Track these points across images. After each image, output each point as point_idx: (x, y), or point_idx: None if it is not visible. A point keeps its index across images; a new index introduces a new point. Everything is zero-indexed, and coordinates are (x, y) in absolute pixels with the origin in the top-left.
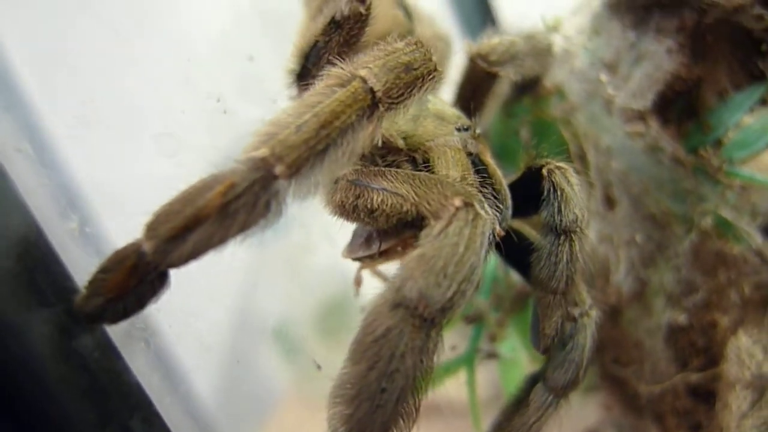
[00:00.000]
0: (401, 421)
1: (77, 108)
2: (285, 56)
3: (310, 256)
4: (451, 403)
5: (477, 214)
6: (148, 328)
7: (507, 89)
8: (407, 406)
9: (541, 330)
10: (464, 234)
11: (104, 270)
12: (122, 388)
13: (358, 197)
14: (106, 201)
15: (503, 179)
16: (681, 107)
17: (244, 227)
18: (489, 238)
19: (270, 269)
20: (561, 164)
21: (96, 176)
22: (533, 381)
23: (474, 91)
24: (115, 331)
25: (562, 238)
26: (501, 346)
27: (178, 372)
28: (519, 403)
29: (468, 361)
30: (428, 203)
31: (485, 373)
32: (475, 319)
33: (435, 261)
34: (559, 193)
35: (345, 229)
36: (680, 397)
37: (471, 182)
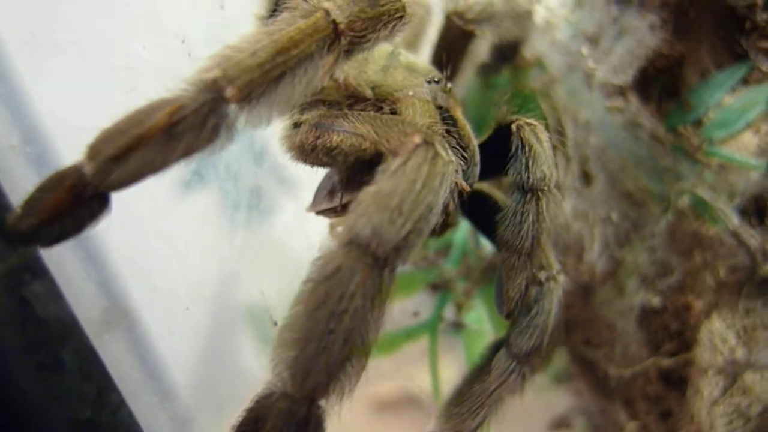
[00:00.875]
0: (349, 367)
1: (32, 28)
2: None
3: (289, 243)
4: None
5: (437, 153)
6: (126, 315)
7: (486, 55)
8: (356, 352)
9: (505, 293)
10: (422, 171)
11: (42, 189)
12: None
13: (317, 138)
14: (55, 125)
15: (473, 136)
16: (663, 85)
17: (189, 150)
18: (451, 184)
19: (249, 256)
20: (531, 121)
21: (46, 99)
22: (496, 348)
23: (449, 50)
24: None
25: (529, 196)
26: (466, 316)
27: (155, 362)
28: (481, 369)
29: (431, 328)
30: (387, 141)
31: (451, 352)
32: (441, 287)
33: (390, 198)
34: (527, 149)
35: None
36: (651, 382)
37: (438, 131)
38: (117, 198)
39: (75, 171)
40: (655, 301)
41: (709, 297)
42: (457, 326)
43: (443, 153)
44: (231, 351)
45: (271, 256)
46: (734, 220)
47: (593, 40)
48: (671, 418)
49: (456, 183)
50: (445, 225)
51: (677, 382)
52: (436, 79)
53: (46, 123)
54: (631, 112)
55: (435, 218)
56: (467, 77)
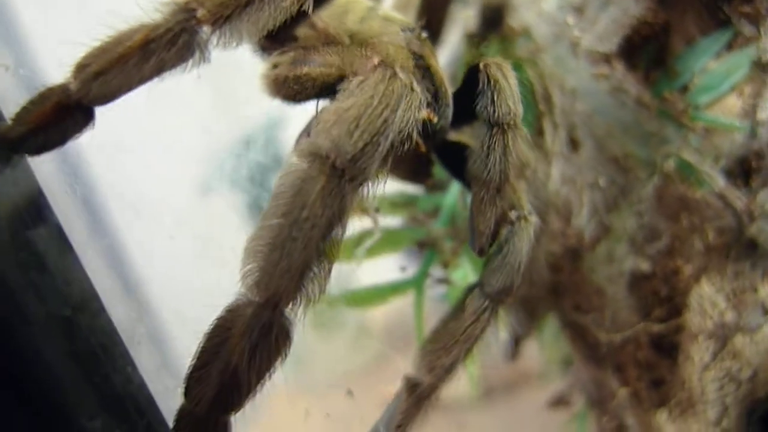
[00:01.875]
0: (312, 273)
1: None
2: None
3: None
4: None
5: (395, 74)
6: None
7: (473, 25)
8: (318, 258)
9: (475, 227)
10: (379, 89)
11: (32, 103)
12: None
13: (290, 71)
14: (46, 48)
15: (446, 80)
16: (650, 55)
17: (162, 66)
18: (414, 110)
19: None
20: (499, 60)
21: (39, 22)
22: (471, 289)
23: (431, 8)
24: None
25: (495, 129)
26: (453, 273)
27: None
28: (456, 310)
29: (417, 283)
30: (351, 65)
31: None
32: (428, 245)
33: (348, 113)
34: (492, 83)
35: None
36: (642, 348)
37: (407, 66)
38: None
39: (62, 87)
40: (645, 266)
41: (698, 261)
42: (443, 283)
43: (402, 75)
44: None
45: None
46: (720, 182)
47: (579, 10)
48: (663, 386)
49: (428, 118)
50: (425, 170)
51: (668, 348)
52: (410, 28)
53: (39, 45)
54: (617, 78)
55: (393, 134)
56: (457, 48)
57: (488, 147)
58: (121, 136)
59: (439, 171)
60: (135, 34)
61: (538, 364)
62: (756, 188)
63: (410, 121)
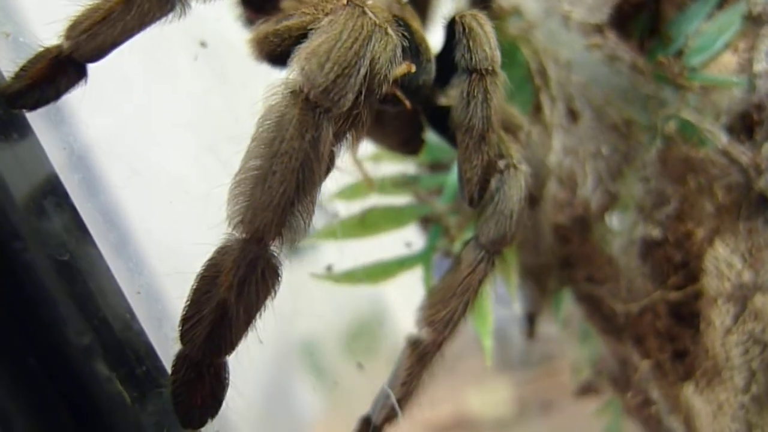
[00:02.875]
0: (296, 205)
1: None
2: None
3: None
4: None
5: (364, 12)
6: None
7: (463, 3)
8: (301, 191)
9: (462, 175)
10: (348, 24)
11: (29, 62)
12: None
13: (270, 26)
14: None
15: (427, 39)
16: (643, 25)
17: (144, 18)
18: (390, 53)
19: (299, 289)
20: (475, 11)
21: None
22: (467, 243)
23: None
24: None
25: (474, 75)
26: (459, 247)
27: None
28: (454, 265)
29: (424, 258)
30: (323, 10)
31: None
32: (433, 221)
33: (319, 47)
34: (467, 31)
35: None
36: (661, 317)
37: (385, 18)
38: None
39: (56, 47)
40: (655, 232)
41: (710, 222)
42: (449, 254)
43: (371, 14)
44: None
45: (324, 289)
46: (723, 139)
47: None
48: (687, 357)
49: (408, 69)
50: (416, 137)
51: (688, 316)
52: None
53: (38, 14)
54: (610, 47)
55: (364, 68)
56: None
57: (468, 93)
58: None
59: (440, 151)
60: None
61: (567, 363)
62: (760, 141)
63: (385, 63)
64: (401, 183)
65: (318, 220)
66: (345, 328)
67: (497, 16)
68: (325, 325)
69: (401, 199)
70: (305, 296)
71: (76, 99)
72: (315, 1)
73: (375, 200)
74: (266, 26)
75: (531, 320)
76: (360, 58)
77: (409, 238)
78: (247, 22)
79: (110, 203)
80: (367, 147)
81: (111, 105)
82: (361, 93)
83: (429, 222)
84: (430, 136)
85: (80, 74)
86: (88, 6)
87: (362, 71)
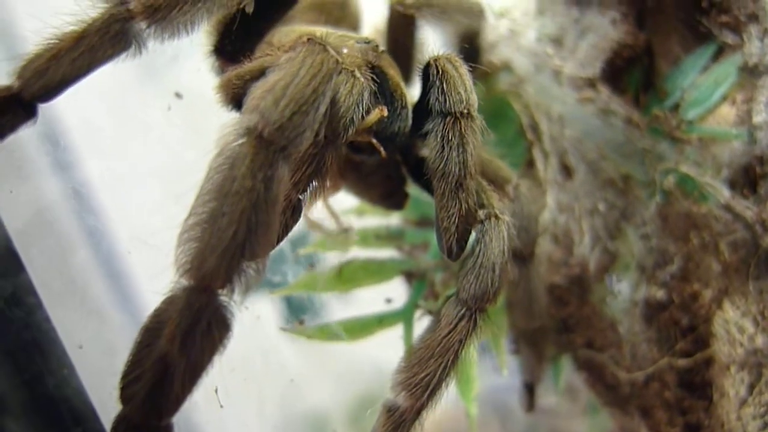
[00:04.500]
0: (247, 251)
1: None
2: None
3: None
4: None
5: (325, 50)
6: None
7: None
8: (253, 235)
9: (439, 225)
10: (307, 61)
11: None
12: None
13: (234, 71)
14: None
15: (403, 85)
16: (637, 79)
17: (95, 56)
18: (357, 96)
19: (303, 354)
20: (449, 54)
21: None
22: (448, 299)
23: (396, 40)
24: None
25: (449, 118)
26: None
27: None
28: (434, 323)
29: (405, 315)
30: (283, 48)
31: None
32: (416, 276)
33: (275, 84)
34: (441, 73)
35: None
36: (669, 387)
37: (357, 63)
38: None
39: (5, 87)
40: (659, 294)
41: (717, 282)
42: (432, 313)
43: (332, 52)
44: None
45: (330, 362)
46: (725, 193)
47: (557, 41)
48: (701, 431)
49: (380, 113)
50: (398, 191)
51: (699, 385)
52: (367, 41)
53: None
54: (603, 101)
55: (323, 107)
56: None
57: (442, 138)
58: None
59: (428, 206)
60: (73, 31)
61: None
62: (765, 195)
63: (352, 105)
64: (384, 236)
65: (295, 272)
66: (352, 403)
67: (487, 72)
68: (331, 399)
69: (384, 253)
70: (312, 367)
71: (39, 151)
72: (282, 44)
73: (355, 253)
74: (230, 72)
75: (530, 391)
76: (319, 95)
77: (391, 294)
78: (220, 72)
79: (61, 251)
80: (350, 200)
81: (79, 156)
82: (320, 134)
83: (412, 277)
84: (419, 192)
85: (29, 114)
86: (41, 45)
87: (321, 109)
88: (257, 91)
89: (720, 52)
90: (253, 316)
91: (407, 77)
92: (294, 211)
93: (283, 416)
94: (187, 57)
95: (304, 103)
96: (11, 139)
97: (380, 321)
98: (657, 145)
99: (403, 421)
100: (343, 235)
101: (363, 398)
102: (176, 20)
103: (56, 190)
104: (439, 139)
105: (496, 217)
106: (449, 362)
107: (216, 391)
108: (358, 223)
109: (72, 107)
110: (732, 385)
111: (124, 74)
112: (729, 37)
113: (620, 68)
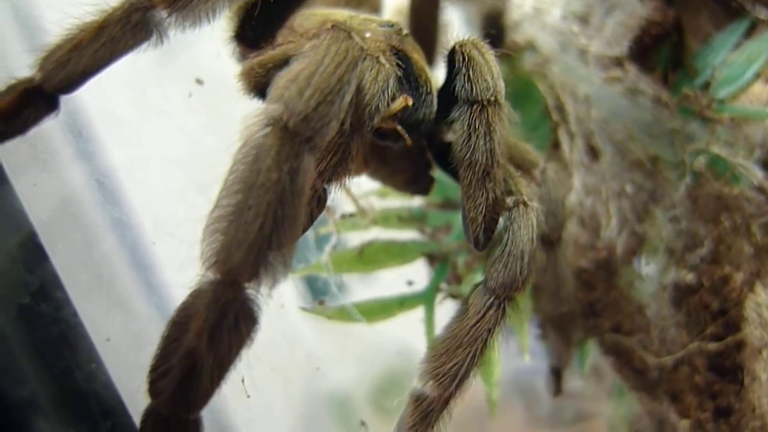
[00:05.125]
0: (274, 244)
1: None
2: None
3: (366, 330)
4: None
5: (349, 36)
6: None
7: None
8: (280, 227)
9: (466, 214)
10: (331, 49)
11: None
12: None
13: (256, 58)
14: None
15: (428, 70)
16: (666, 57)
17: (116, 47)
18: (382, 83)
19: (328, 341)
20: (476, 39)
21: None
22: (476, 287)
23: (420, 21)
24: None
25: (475, 107)
26: (466, 288)
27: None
28: (462, 312)
29: (427, 298)
30: (307, 36)
31: None
32: (438, 259)
33: (299, 74)
34: (467, 60)
35: None
36: (699, 371)
37: (381, 48)
38: None
39: (27, 79)
40: (689, 277)
41: (749, 265)
42: (455, 297)
43: (357, 39)
44: None
45: (353, 342)
46: (758, 174)
47: (583, 19)
48: (732, 415)
49: (405, 102)
50: (423, 176)
51: (730, 369)
52: (390, 24)
53: None
54: (630, 80)
55: (348, 95)
56: None
57: (469, 126)
58: None
59: (452, 189)
60: (93, 21)
61: (603, 422)
62: None
63: (377, 92)
64: (407, 218)
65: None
66: (375, 382)
67: (511, 52)
68: (354, 379)
69: (405, 235)
70: (334, 347)
71: (62, 142)
72: (304, 29)
73: (377, 234)
74: (253, 59)
75: (557, 375)
76: (344, 84)
77: (412, 276)
78: (241, 58)
79: (86, 244)
80: (373, 182)
81: (102, 145)
82: (345, 123)
83: (434, 260)
84: (442, 174)
85: (51, 106)
86: (62, 36)
87: (347, 98)
88: (281, 81)
89: (753, 28)
90: (277, 304)
91: (431, 60)
92: (319, 201)
93: (309, 404)
94: (205, 41)
95: (330, 92)
96: (33, 131)
97: (401, 303)
98: (687, 125)
99: (431, 411)
100: (361, 216)
101: (385, 380)
102: (197, 8)
103: (79, 181)
104: (465, 127)
105: (525, 204)
106: (477, 352)
107: (243, 381)
108: (380, 204)
109: (92, 96)
110: (764, 369)
111: (144, 61)
112: (762, 13)
113: (648, 46)
